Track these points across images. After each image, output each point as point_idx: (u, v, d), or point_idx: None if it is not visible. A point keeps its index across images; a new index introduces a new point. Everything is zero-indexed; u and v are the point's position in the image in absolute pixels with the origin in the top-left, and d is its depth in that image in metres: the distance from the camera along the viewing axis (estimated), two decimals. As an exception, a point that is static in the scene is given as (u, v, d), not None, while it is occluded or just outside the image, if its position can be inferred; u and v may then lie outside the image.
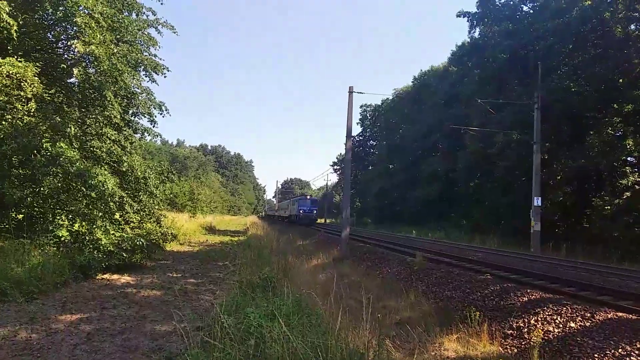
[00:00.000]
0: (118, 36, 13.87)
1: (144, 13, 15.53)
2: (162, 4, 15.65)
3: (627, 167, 24.90)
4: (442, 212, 42.35)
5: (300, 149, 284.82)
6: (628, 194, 23.57)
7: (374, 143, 73.54)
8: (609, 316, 7.98)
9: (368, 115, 72.95)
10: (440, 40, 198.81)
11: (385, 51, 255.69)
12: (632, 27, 25.09)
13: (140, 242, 12.73)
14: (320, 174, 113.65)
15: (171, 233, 16.68)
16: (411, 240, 26.61)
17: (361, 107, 72.64)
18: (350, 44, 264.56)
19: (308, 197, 56.17)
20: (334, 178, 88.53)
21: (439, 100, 45.89)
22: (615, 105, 24.78)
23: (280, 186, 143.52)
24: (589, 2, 25.91)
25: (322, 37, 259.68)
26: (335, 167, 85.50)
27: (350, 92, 21.29)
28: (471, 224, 34.82)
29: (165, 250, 17.18)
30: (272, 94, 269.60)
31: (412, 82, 57.77)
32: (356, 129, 72.07)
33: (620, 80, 24.33)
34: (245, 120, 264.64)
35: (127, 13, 15.01)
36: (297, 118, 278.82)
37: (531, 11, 32.49)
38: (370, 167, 71.32)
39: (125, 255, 12.26)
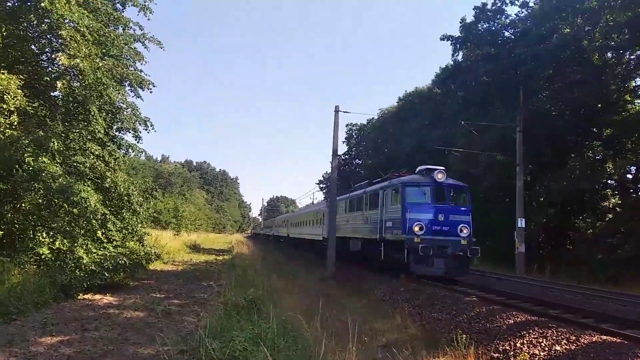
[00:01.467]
0: (104, 50, 13.75)
1: (131, 27, 15.48)
2: (149, 19, 15.61)
3: (608, 190, 25.39)
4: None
5: (286, 167, 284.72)
6: (610, 216, 23.99)
7: (360, 162, 73.75)
8: (594, 339, 8.01)
9: (354, 134, 73.36)
10: (425, 63, 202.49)
11: (372, 71, 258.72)
12: (609, 54, 25.89)
13: (123, 261, 12.47)
14: (306, 192, 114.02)
15: (154, 252, 16.39)
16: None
17: (347, 125, 72.99)
18: (338, 62, 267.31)
19: (440, 175, 16.50)
20: (320, 196, 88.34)
21: (424, 121, 46.37)
22: (594, 129, 25.38)
23: (265, 204, 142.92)
24: (568, 30, 26.67)
25: (310, 55, 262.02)
26: (321, 185, 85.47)
27: (336, 111, 21.48)
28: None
29: (148, 270, 16.88)
30: (258, 111, 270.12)
31: (397, 102, 58.37)
32: (342, 148, 72.28)
33: (599, 105, 24.95)
34: (232, 136, 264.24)
35: (113, 27, 14.94)
36: (283, 136, 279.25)
37: (512, 37, 33.31)
38: (354, 186, 71.41)
39: (107, 274, 11.95)
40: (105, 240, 13.19)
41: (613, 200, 24.96)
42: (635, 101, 25.41)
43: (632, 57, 25.05)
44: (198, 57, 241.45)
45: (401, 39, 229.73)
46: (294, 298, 11.95)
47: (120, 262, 12.28)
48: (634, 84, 25.97)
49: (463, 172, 32.25)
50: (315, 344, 6.06)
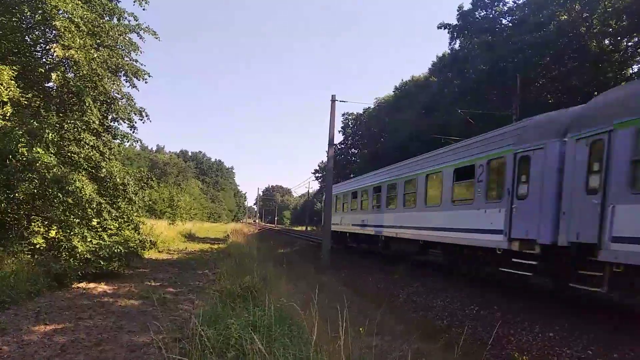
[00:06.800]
0: (98, 41, 13.61)
1: (126, 18, 15.29)
2: (144, 9, 15.41)
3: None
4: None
5: (282, 156, 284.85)
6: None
7: (356, 151, 73.61)
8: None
9: (350, 123, 73.13)
10: (421, 52, 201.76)
11: (369, 60, 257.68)
12: (606, 42, 25.80)
13: (118, 250, 12.46)
14: (302, 181, 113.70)
15: (150, 240, 16.37)
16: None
17: (343, 115, 72.77)
18: (334, 52, 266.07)
19: None
20: (315, 186, 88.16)
21: (420, 109, 46.22)
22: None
23: (261, 193, 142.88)
24: (566, 17, 26.53)
25: (306, 44, 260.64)
26: (317, 174, 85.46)
27: (333, 100, 21.40)
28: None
29: (143, 258, 16.88)
30: (254, 100, 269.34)
31: (394, 91, 58.22)
32: (338, 138, 71.95)
33: (596, 93, 24.91)
34: (227, 126, 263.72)
35: (108, 18, 14.77)
36: (279, 125, 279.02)
37: (510, 24, 33.13)
38: (352, 176, 71.36)
39: (102, 263, 11.98)
40: (101, 229, 13.16)
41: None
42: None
43: (629, 43, 24.98)
44: (195, 49, 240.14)
45: (401, 27, 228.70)
46: (290, 286, 11.97)
47: (115, 250, 12.27)
48: (630, 71, 25.93)
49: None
50: (311, 331, 6.07)
